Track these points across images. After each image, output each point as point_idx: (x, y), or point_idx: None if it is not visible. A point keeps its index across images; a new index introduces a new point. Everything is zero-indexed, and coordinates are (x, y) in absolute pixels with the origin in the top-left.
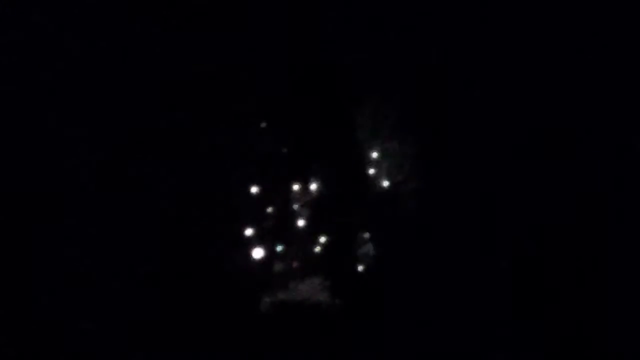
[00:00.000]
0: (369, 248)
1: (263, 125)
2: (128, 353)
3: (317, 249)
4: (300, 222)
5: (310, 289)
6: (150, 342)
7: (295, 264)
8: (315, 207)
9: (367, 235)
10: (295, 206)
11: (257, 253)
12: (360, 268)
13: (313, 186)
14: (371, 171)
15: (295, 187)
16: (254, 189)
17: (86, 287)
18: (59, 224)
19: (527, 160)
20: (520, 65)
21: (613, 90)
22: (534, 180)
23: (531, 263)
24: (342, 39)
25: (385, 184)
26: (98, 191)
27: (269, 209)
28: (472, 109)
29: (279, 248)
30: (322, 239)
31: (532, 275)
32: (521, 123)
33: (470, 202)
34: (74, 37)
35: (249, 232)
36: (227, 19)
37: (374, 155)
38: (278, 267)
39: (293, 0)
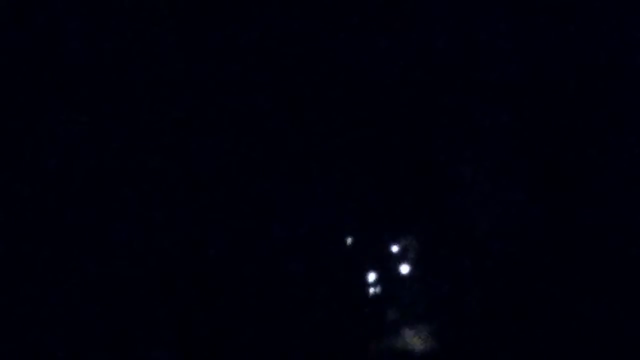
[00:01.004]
0: (474, 294)
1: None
2: None
3: (425, 296)
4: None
5: (419, 337)
6: None
7: (404, 311)
8: (423, 253)
9: (471, 281)
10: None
11: (370, 298)
12: (466, 315)
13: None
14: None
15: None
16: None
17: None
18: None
19: None
20: None
21: None
22: None
23: None
24: None
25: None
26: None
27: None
28: None
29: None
30: (430, 286)
31: None
32: None
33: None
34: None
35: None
36: None
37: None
38: (389, 313)
39: None
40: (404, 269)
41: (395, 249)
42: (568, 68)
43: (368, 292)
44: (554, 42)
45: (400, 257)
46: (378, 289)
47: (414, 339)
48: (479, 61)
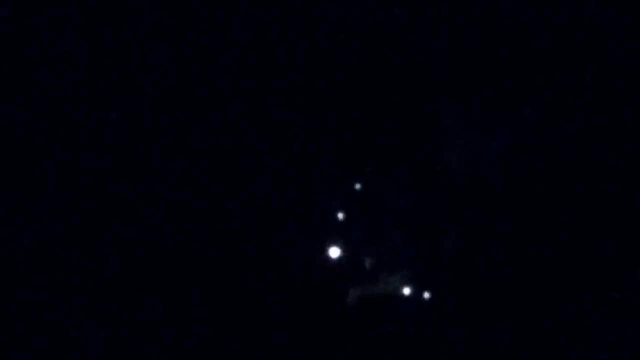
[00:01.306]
0: (454, 241)
1: None
2: None
3: (404, 241)
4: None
5: (398, 282)
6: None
7: (382, 258)
8: (399, 200)
9: (451, 228)
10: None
11: (345, 247)
12: (446, 261)
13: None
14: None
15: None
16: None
17: None
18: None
19: None
20: None
21: None
22: None
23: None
24: None
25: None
26: None
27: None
28: None
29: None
30: (408, 231)
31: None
32: None
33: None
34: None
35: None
36: None
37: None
38: (366, 260)
39: None
40: (382, 214)
41: (372, 194)
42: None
43: (346, 240)
44: None
45: (379, 203)
46: (356, 236)
47: (393, 285)
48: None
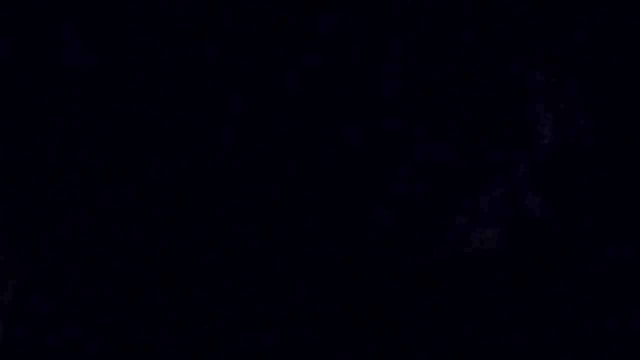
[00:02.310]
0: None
1: None
2: None
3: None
4: None
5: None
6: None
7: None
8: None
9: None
10: None
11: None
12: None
13: None
14: None
15: None
16: None
17: None
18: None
19: None
20: None
21: None
22: None
23: None
24: None
25: None
26: None
27: None
28: None
29: None
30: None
31: None
32: None
33: None
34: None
35: None
36: None
37: None
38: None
39: None
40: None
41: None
42: None
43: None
44: None
45: (466, 167)
46: (444, 197)
47: (480, 245)
48: None
